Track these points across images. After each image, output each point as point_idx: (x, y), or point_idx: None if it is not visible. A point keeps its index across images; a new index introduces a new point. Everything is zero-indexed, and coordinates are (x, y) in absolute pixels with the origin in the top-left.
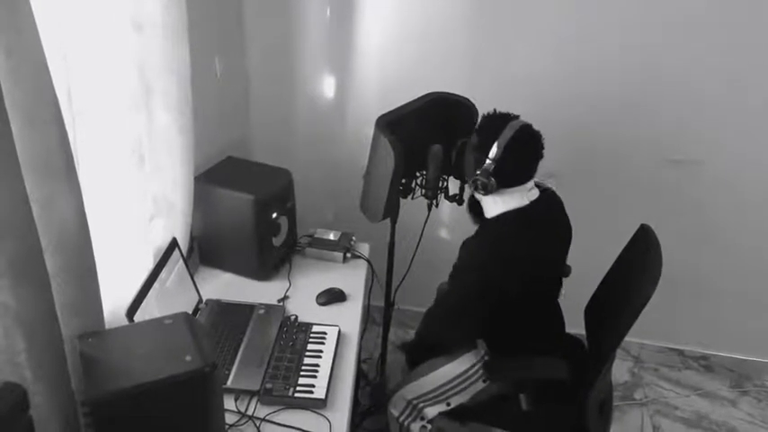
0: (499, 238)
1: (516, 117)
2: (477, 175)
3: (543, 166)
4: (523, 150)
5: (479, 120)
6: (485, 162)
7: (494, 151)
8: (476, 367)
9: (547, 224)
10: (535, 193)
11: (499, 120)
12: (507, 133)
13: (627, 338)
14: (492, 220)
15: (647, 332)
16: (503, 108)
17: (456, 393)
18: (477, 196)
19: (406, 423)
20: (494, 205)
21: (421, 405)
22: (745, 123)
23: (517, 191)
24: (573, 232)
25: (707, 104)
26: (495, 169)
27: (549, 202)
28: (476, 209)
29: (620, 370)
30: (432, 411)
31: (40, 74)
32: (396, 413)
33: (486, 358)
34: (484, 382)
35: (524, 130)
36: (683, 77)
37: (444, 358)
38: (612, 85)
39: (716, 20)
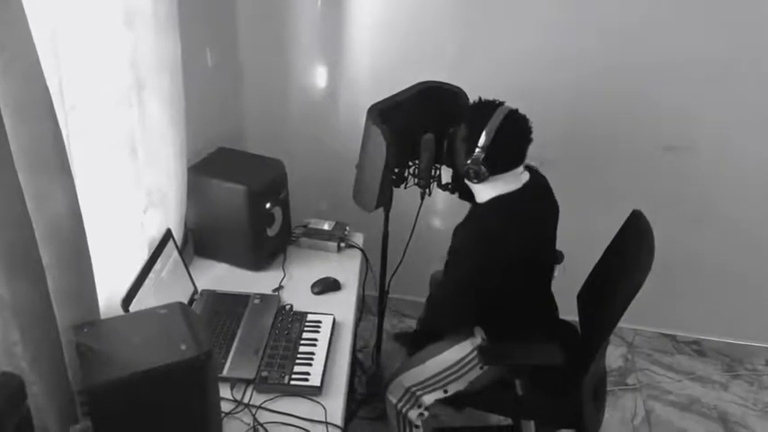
0: (487, 222)
1: (502, 103)
2: (468, 164)
3: (537, 154)
4: (512, 136)
5: (467, 110)
6: (474, 151)
7: (482, 140)
8: (473, 354)
9: (537, 206)
10: (526, 176)
11: (485, 108)
12: (495, 121)
13: (620, 324)
14: (482, 204)
15: (640, 318)
16: (495, 95)
17: (454, 380)
18: (469, 183)
19: (404, 410)
20: (485, 191)
21: (419, 392)
22: (741, 110)
23: (508, 176)
24: (565, 219)
25: (702, 90)
26: (485, 158)
27: (538, 184)
28: (469, 196)
29: (613, 355)
30: (429, 399)
31: (31, 69)
32: (394, 400)
33: (481, 344)
34: (481, 368)
35: (511, 116)
36: (679, 63)
37: (442, 345)
38: (605, 70)
39: (713, 5)
